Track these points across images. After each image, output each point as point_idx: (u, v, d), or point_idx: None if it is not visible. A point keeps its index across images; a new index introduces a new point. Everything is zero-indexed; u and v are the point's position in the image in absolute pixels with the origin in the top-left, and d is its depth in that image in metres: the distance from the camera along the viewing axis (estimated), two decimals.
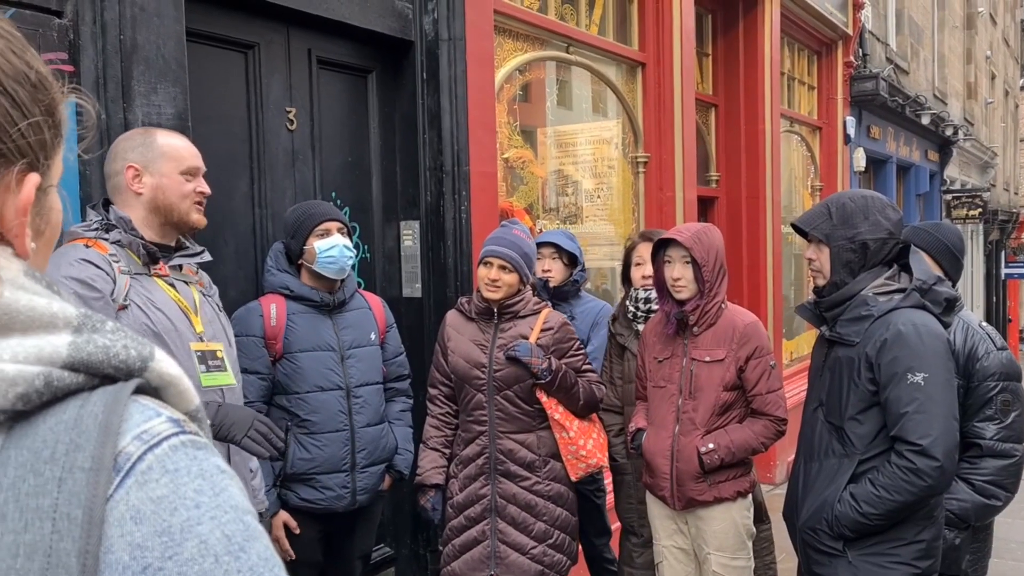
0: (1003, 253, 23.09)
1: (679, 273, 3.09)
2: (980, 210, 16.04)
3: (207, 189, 2.33)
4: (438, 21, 3.91)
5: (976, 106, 18.60)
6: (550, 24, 4.98)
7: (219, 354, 2.23)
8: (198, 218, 2.30)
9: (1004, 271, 22.95)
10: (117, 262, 2.11)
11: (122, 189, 2.22)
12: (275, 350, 2.91)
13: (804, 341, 9.05)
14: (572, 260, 3.90)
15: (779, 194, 7.96)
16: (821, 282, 2.46)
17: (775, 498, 6.92)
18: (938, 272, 2.88)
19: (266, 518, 2.78)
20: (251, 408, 2.44)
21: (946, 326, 2.32)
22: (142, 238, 2.19)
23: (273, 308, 2.94)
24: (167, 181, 2.24)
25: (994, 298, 22.10)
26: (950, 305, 2.33)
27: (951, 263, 2.93)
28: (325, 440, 2.92)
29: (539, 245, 3.87)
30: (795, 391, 8.29)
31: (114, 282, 2.06)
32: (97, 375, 0.63)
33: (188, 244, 2.35)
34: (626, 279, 3.76)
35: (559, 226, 5.38)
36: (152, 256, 2.19)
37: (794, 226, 2.53)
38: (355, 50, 3.79)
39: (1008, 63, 24.57)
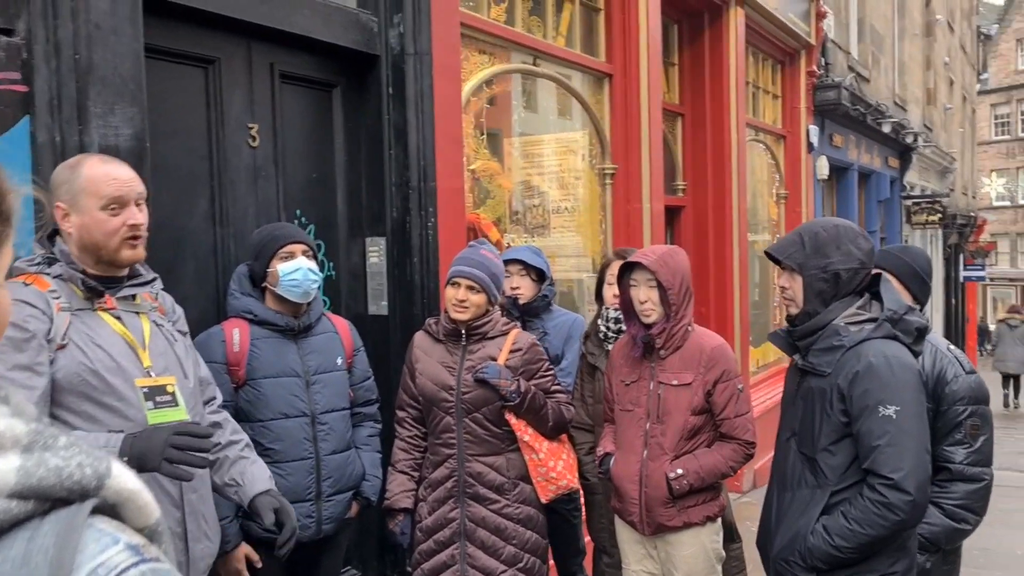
0: (961, 256, 23.52)
1: (645, 296, 3.08)
2: (940, 215, 16.32)
3: (139, 219, 2.12)
4: (404, 35, 3.86)
5: (935, 112, 18.91)
6: (517, 36, 4.95)
7: (169, 388, 2.12)
8: (130, 254, 2.12)
9: (963, 274, 23.38)
10: (57, 298, 2.02)
11: (58, 226, 2.13)
12: (238, 376, 2.84)
13: (771, 348, 9.12)
14: (540, 275, 3.88)
15: (745, 202, 8.01)
16: (794, 311, 2.45)
17: (743, 507, 6.96)
18: (906, 295, 2.90)
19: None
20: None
21: (916, 355, 2.32)
22: (83, 272, 2.09)
23: (236, 333, 2.87)
24: (89, 220, 2.08)
25: (953, 300, 22.50)
26: (920, 334, 2.33)
27: (919, 287, 2.94)
28: (289, 469, 2.85)
29: (506, 263, 3.84)
30: (761, 399, 8.35)
31: (51, 321, 1.97)
32: (48, 500, 0.57)
33: (141, 271, 2.24)
34: (599, 297, 3.74)
35: (526, 239, 5.35)
36: (95, 290, 2.09)
37: (767, 254, 2.52)
38: (319, 64, 3.73)
39: (965, 69, 25.03)
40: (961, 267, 23.32)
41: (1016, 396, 15.80)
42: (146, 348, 2.13)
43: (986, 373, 17.52)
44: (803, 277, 2.40)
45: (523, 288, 3.83)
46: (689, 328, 3.12)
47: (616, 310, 3.53)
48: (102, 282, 2.12)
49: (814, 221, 2.47)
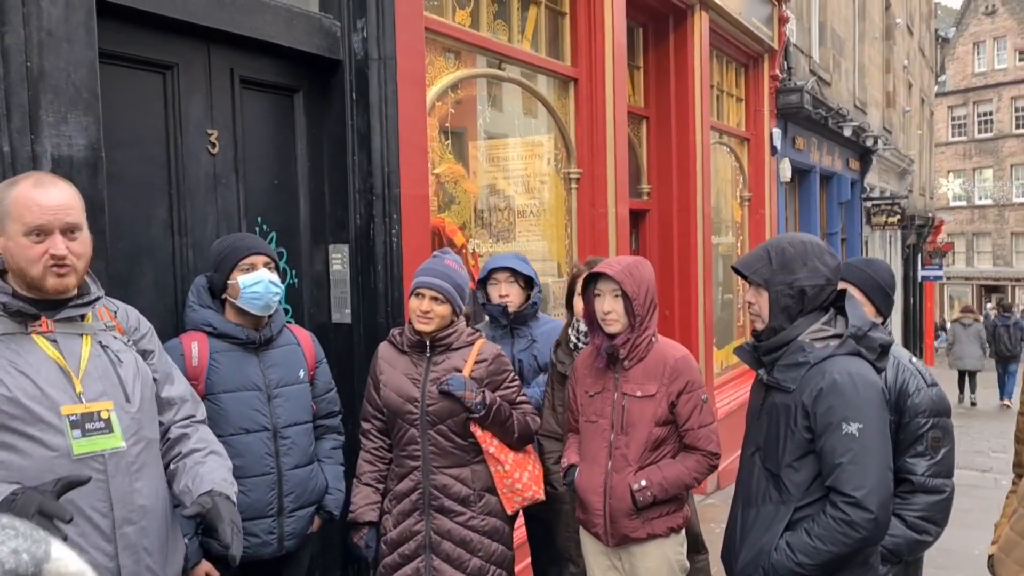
0: (920, 256, 23.92)
1: (609, 307, 3.08)
2: (899, 216, 16.58)
3: (61, 251, 2.00)
4: (367, 40, 3.82)
5: (895, 115, 19.20)
6: (482, 40, 4.93)
7: (104, 415, 2.01)
8: (55, 283, 2.01)
9: (920, 273, 23.78)
10: None
11: None
12: (197, 391, 2.77)
13: (733, 350, 9.19)
14: (528, 283, 3.89)
15: (709, 205, 8.06)
16: (760, 326, 2.46)
17: (708, 508, 7.00)
18: (869, 309, 2.92)
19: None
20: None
21: (880, 371, 2.34)
22: (14, 294, 2.00)
23: (195, 346, 2.83)
24: (12, 244, 2.00)
25: (911, 299, 22.89)
26: (884, 351, 2.35)
27: (883, 300, 2.96)
28: (250, 484, 2.80)
29: (494, 271, 3.86)
30: (726, 400, 8.42)
31: None
32: None
33: (91, 289, 2.14)
34: (569, 306, 3.74)
35: (492, 244, 5.33)
36: (28, 313, 2.00)
37: (734, 268, 2.52)
38: (281, 69, 3.68)
39: (924, 72, 25.45)
40: (919, 267, 23.71)
41: (972, 392, 16.10)
42: (81, 373, 2.02)
43: (943, 371, 17.87)
44: (769, 293, 2.40)
45: (512, 296, 3.84)
46: (653, 339, 3.12)
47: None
48: (41, 304, 2.03)
49: (780, 237, 2.47)
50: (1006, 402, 15.92)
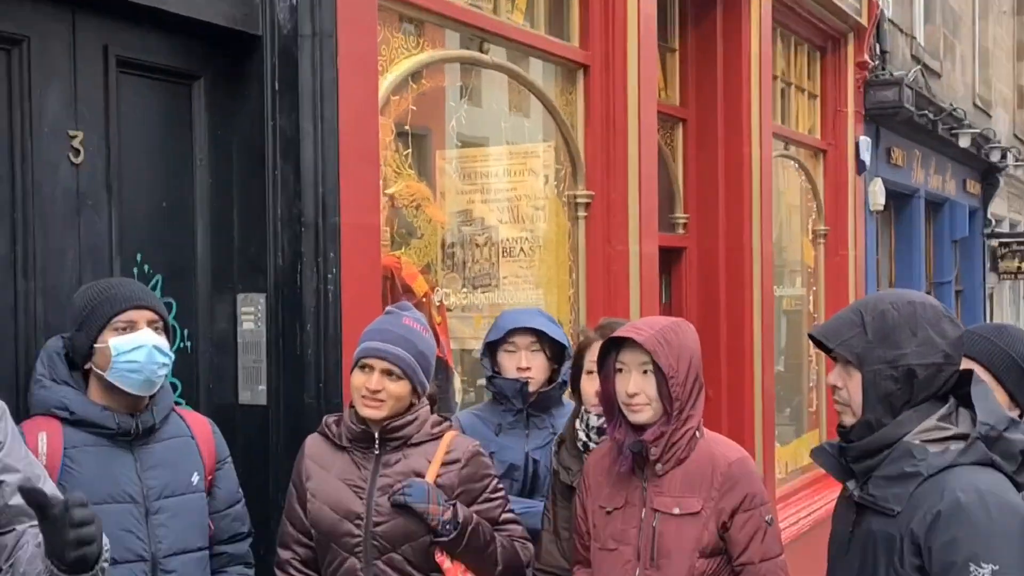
0: None
1: (637, 387, 3.08)
2: None
3: None
4: (298, 8, 3.87)
5: None
6: (457, 12, 4.99)
7: None
8: None
9: None
10: None
11: None
12: None
13: (804, 446, 9.20)
14: (556, 352, 3.92)
15: (770, 243, 8.13)
16: (849, 420, 2.46)
17: None
18: (1000, 395, 2.94)
19: None
20: None
21: (1021, 488, 2.34)
22: None
23: (42, 438, 2.80)
24: None
25: None
26: None
27: (1018, 383, 2.97)
28: None
29: (513, 331, 3.88)
30: (792, 520, 8.38)
31: None
32: None
33: None
34: (576, 389, 3.76)
35: (468, 294, 5.35)
36: None
37: (813, 338, 2.54)
38: (174, 47, 3.73)
39: None
40: None
41: None
42: None
43: None
44: (863, 374, 2.42)
45: (535, 370, 3.87)
46: (697, 434, 3.13)
47: (600, 416, 3.52)
48: None
49: (880, 295, 2.50)
50: None
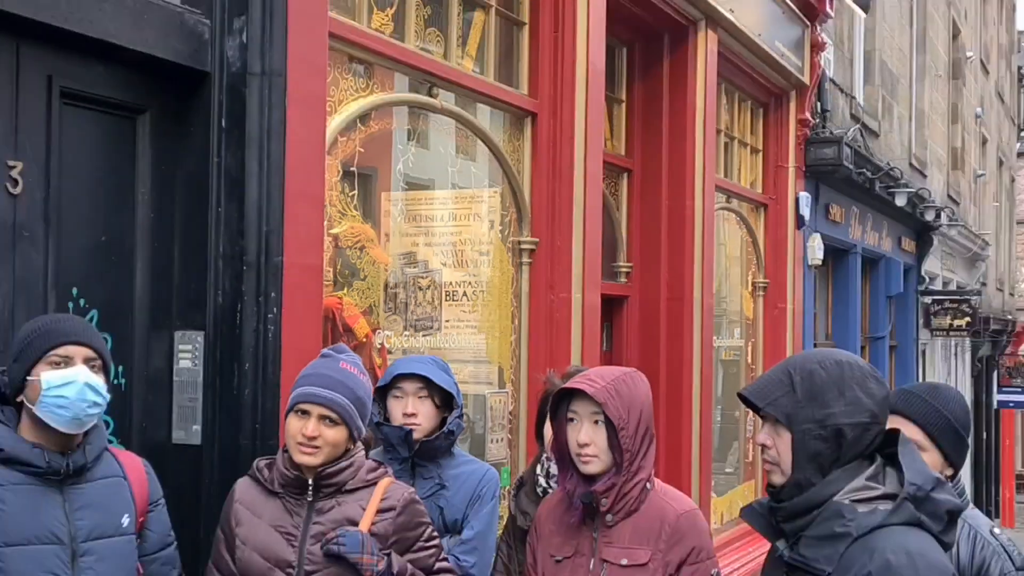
0: (996, 374, 24.46)
1: (587, 437, 3.08)
2: (968, 318, 17.01)
3: None
4: (248, 46, 3.87)
5: (963, 179, 19.95)
6: (408, 55, 5.02)
7: None
8: None
9: (996, 398, 24.27)
10: None
11: None
12: None
13: (740, 496, 9.23)
14: (445, 400, 3.87)
15: (711, 294, 8.20)
16: (778, 479, 2.45)
17: None
18: (934, 456, 2.95)
19: None
20: None
21: (947, 548, 2.34)
22: None
23: None
24: None
25: (984, 434, 23.28)
26: (952, 518, 2.36)
27: (954, 445, 2.99)
28: None
29: (399, 378, 3.82)
30: (726, 569, 8.38)
31: None
32: None
33: None
34: (539, 436, 3.74)
35: (410, 337, 5.32)
36: None
37: (742, 397, 2.54)
38: (121, 80, 3.72)
39: (1003, 123, 26.57)
40: (995, 389, 24.21)
41: None
42: None
43: None
44: (793, 433, 2.41)
45: (421, 416, 3.80)
46: (648, 485, 3.13)
47: None
48: None
49: (807, 354, 2.50)
50: None
